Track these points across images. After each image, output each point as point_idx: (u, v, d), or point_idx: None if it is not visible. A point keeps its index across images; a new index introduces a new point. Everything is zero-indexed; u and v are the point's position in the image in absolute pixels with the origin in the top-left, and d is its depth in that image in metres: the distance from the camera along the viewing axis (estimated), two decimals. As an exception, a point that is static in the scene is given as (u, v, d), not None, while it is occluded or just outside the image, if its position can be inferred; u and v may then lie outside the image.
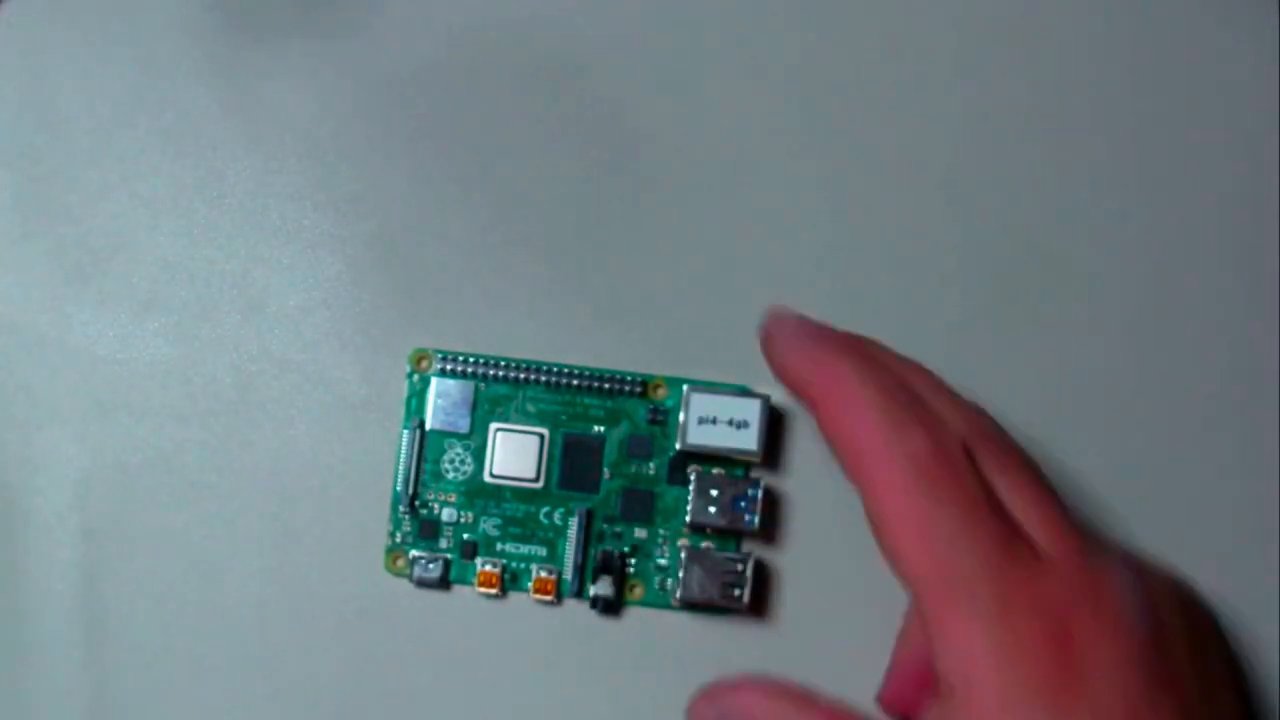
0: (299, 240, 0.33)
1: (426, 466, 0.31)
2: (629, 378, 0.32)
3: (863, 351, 0.28)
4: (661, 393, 0.32)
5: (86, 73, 0.33)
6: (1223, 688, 0.28)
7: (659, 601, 0.31)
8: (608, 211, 0.33)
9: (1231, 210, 0.33)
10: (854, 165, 0.33)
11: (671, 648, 0.31)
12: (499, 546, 0.31)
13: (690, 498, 0.30)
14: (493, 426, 0.31)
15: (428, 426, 0.31)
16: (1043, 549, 0.26)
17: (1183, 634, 0.27)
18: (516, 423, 0.31)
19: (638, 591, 0.31)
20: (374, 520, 0.32)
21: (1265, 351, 0.33)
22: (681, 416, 0.30)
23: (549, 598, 0.31)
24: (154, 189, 0.33)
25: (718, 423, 0.30)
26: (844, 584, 0.32)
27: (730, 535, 0.31)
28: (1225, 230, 0.33)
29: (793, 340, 0.29)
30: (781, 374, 0.29)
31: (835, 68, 0.33)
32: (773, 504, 0.32)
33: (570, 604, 0.32)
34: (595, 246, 0.33)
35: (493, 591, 0.31)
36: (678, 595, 0.31)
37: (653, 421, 0.31)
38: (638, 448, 0.31)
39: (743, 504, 0.30)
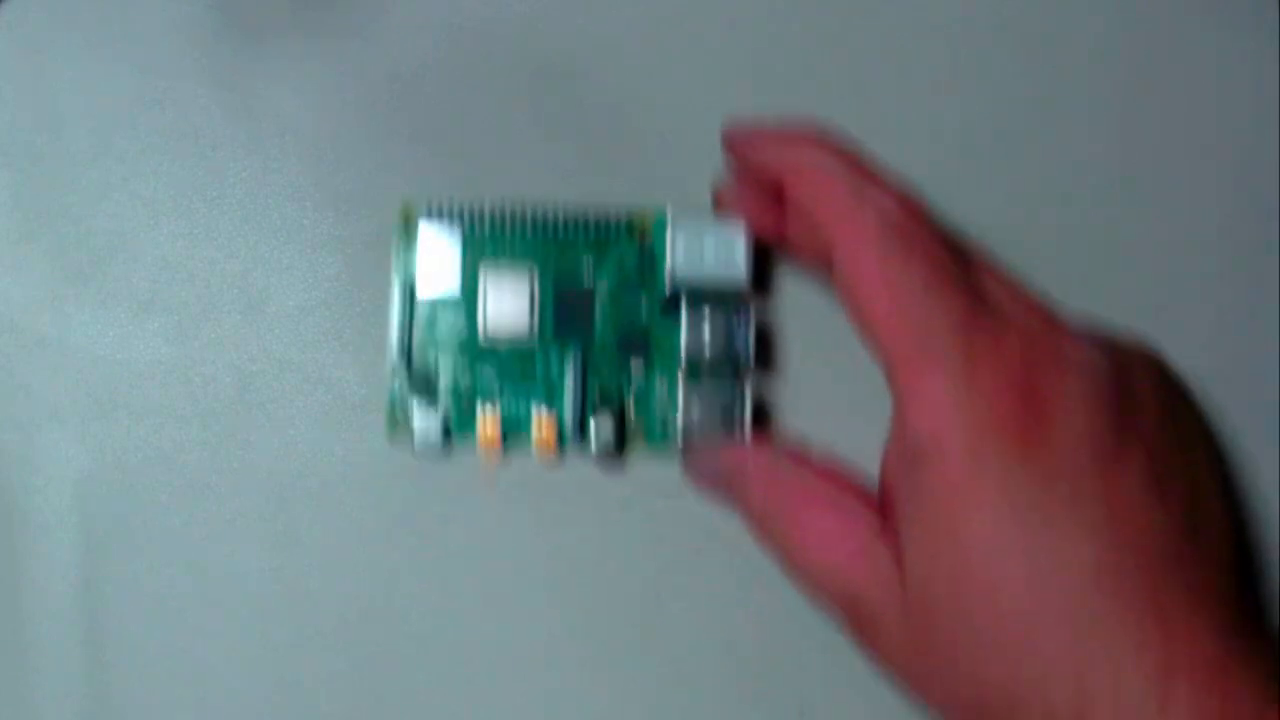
0: (299, 240, 0.33)
1: (421, 328, 0.32)
2: (615, 220, 0.32)
3: (825, 135, 0.29)
4: (649, 235, 0.32)
5: (86, 73, 0.33)
6: (1196, 450, 0.28)
7: (661, 441, 0.31)
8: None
9: (1231, 210, 0.34)
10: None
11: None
12: (497, 399, 0.31)
13: (683, 331, 0.30)
14: (482, 276, 0.31)
15: (417, 287, 0.32)
16: (1008, 314, 0.27)
17: (1152, 396, 0.27)
18: (505, 269, 0.31)
19: (639, 434, 0.31)
20: (374, 519, 0.32)
21: (1265, 350, 0.33)
22: (668, 248, 0.30)
23: (550, 454, 0.31)
24: (154, 189, 0.33)
25: (704, 254, 0.30)
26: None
27: (726, 368, 0.31)
28: (1225, 230, 0.33)
29: (757, 133, 0.30)
30: (750, 165, 0.30)
31: (833, 65, 0.33)
32: (766, 335, 0.32)
33: (572, 459, 0.32)
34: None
35: (494, 450, 0.31)
36: (678, 431, 0.31)
37: (642, 263, 0.32)
38: (629, 290, 0.32)
39: (735, 334, 0.30)
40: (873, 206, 0.27)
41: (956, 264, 0.27)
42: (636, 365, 0.31)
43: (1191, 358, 0.32)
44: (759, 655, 0.31)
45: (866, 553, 0.27)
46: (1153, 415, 0.27)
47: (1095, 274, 0.33)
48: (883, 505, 0.28)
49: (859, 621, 0.28)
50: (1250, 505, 0.32)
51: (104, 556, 0.31)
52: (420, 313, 0.31)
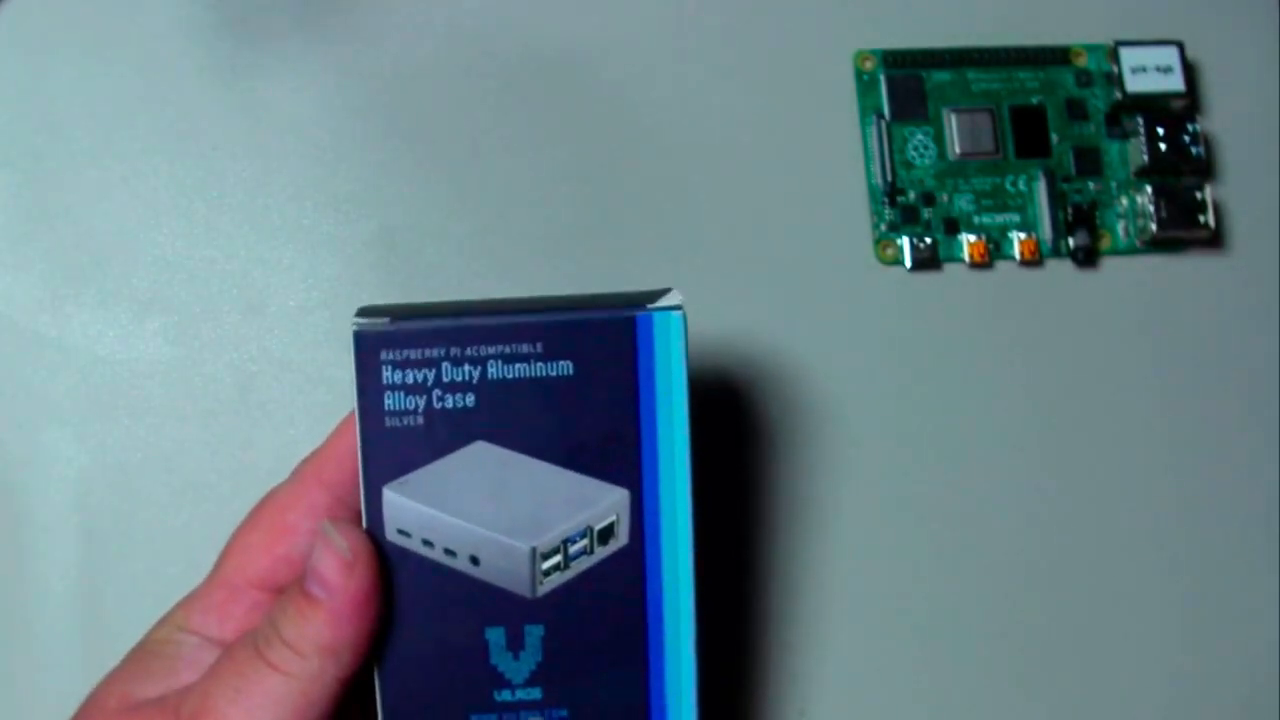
0: (299, 240, 0.33)
1: (895, 156, 0.33)
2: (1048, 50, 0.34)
3: None
4: (1082, 59, 0.34)
5: (86, 73, 0.33)
6: None
7: (1126, 247, 0.33)
8: (609, 212, 0.33)
9: (1231, 209, 0.34)
10: (851, 167, 0.33)
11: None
12: (976, 220, 0.33)
13: (1142, 143, 0.32)
14: (945, 111, 0.33)
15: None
16: None
17: None
18: (963, 105, 0.33)
19: (1105, 241, 0.33)
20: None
21: (1265, 361, 0.33)
22: (1114, 69, 0.33)
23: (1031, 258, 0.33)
24: (154, 189, 0.33)
25: (1148, 70, 0.33)
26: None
27: (1176, 174, 0.33)
28: (1224, 226, 0.33)
29: None
30: None
31: (831, 64, 0.34)
32: (1207, 141, 0.34)
33: (1050, 263, 0.33)
34: (595, 247, 0.33)
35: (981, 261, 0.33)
36: (1148, 232, 0.32)
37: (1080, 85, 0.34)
38: (1073, 109, 0.34)
39: (1184, 139, 0.32)
40: None
41: None
42: (1094, 181, 0.33)
43: (1192, 356, 0.32)
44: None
45: None
46: None
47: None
48: None
49: None
50: (1250, 505, 0.32)
51: (104, 557, 0.31)
52: (895, 146, 0.33)
